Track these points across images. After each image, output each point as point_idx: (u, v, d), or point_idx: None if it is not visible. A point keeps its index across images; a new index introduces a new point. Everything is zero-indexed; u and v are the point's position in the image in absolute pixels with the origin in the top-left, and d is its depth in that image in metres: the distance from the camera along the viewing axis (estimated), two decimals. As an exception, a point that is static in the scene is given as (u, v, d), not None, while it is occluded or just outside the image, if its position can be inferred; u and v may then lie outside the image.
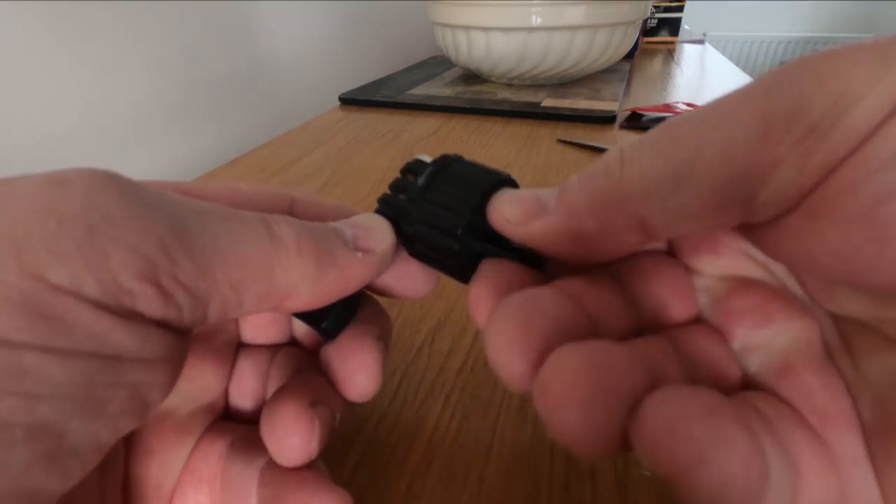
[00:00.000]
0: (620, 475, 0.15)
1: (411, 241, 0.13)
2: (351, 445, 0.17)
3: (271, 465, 0.13)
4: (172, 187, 0.13)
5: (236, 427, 0.14)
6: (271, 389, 0.15)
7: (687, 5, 0.87)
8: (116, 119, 0.40)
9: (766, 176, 0.08)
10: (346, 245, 0.12)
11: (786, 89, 0.08)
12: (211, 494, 0.13)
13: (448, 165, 0.13)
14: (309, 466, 0.13)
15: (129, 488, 0.13)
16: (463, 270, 0.13)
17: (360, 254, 0.12)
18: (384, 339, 0.15)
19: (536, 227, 0.11)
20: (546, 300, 0.10)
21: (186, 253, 0.09)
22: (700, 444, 0.08)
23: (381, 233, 0.13)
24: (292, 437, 0.12)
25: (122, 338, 0.09)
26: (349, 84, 0.64)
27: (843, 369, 0.10)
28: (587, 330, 0.10)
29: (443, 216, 0.13)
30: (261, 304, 0.11)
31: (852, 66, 0.08)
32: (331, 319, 0.14)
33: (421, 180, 0.13)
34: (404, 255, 0.14)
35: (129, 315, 0.09)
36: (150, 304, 0.09)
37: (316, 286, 0.11)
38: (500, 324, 0.10)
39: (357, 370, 0.14)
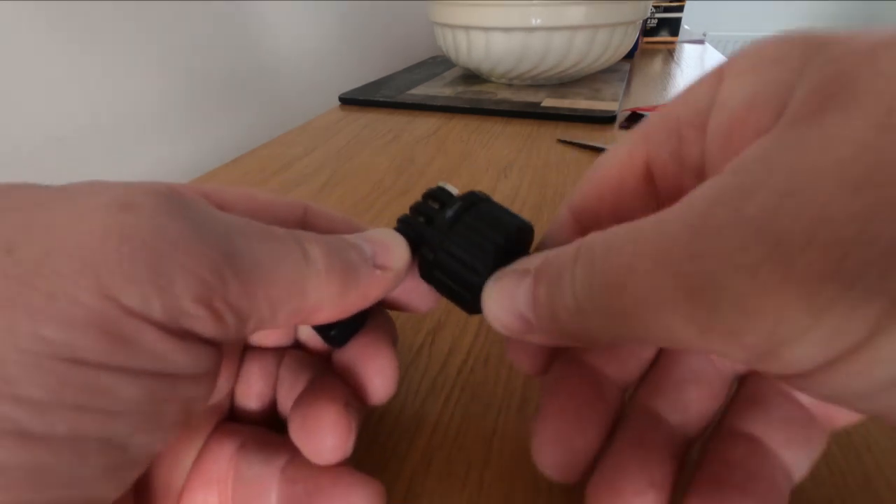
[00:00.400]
0: (620, 475, 0.15)
1: (429, 266, 0.14)
2: (351, 445, 0.17)
3: (294, 463, 0.13)
4: (200, 192, 0.13)
5: (244, 428, 0.15)
6: (283, 391, 0.15)
7: (687, 5, 0.87)
8: (117, 119, 0.40)
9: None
10: (367, 262, 0.13)
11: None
12: (221, 495, 0.13)
13: (478, 203, 0.14)
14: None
15: (138, 488, 0.13)
16: (472, 303, 0.13)
17: (378, 271, 0.13)
18: (394, 344, 0.15)
19: (526, 339, 0.13)
20: (575, 407, 0.13)
21: (236, 275, 0.10)
22: None
23: (398, 251, 0.13)
24: (329, 437, 0.13)
25: (180, 357, 0.09)
26: (349, 84, 0.64)
27: None
28: (611, 412, 0.13)
29: (470, 252, 0.13)
30: (291, 320, 0.12)
31: (782, 299, 0.07)
32: (339, 329, 0.14)
33: (449, 213, 0.14)
34: (412, 272, 0.14)
35: (186, 336, 0.10)
36: (204, 325, 0.10)
37: (339, 303, 0.12)
38: (543, 434, 0.13)
39: (376, 375, 0.14)
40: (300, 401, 0.14)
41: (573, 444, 0.12)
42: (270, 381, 0.16)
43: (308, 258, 0.11)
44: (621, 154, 0.14)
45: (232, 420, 0.15)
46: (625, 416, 0.13)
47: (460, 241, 0.13)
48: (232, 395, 0.15)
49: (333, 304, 0.12)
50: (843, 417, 0.13)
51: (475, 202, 0.14)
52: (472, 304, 0.13)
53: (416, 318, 0.22)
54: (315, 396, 0.13)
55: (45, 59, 0.34)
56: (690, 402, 0.13)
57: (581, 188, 0.15)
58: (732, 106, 0.11)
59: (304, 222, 0.15)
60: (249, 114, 0.53)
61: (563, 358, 0.14)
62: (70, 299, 0.08)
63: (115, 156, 0.40)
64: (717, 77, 0.11)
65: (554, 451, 0.12)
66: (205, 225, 0.10)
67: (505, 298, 0.12)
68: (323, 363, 0.16)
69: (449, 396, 0.18)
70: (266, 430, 0.15)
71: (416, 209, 0.14)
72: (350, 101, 0.56)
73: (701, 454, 0.13)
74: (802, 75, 0.09)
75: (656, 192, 0.14)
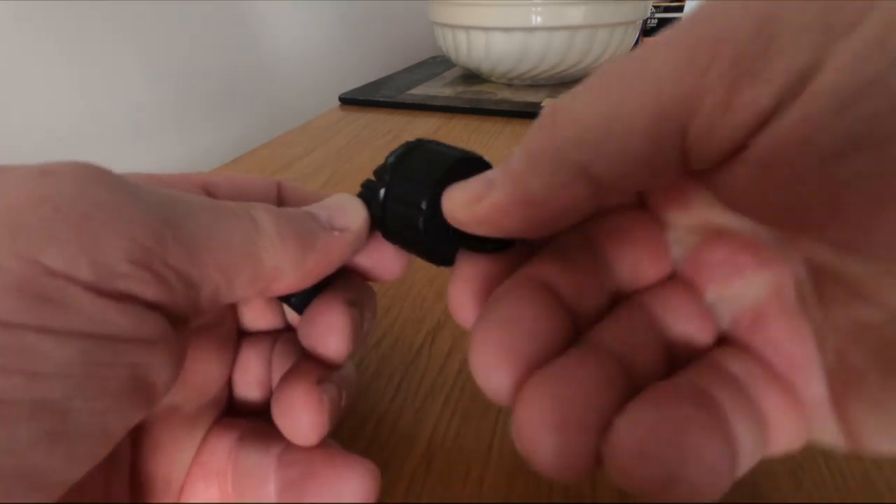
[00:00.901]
0: (620, 475, 0.15)
1: (381, 221, 0.14)
2: (351, 446, 0.17)
3: (290, 449, 0.13)
4: (155, 180, 0.13)
5: (243, 421, 0.15)
6: (275, 375, 0.15)
7: (687, 5, 0.87)
8: (117, 119, 0.40)
9: (694, 110, 0.08)
10: (323, 226, 0.13)
11: (711, 17, 0.08)
12: (221, 487, 0.13)
13: (421, 146, 0.13)
14: (328, 445, 0.13)
15: (138, 483, 0.13)
16: (432, 251, 0.13)
17: (336, 232, 0.13)
18: (360, 304, 0.15)
19: (484, 207, 0.11)
20: (523, 313, 0.10)
21: (176, 239, 0.10)
22: (669, 464, 0.08)
23: (353, 210, 0.13)
24: (303, 415, 0.12)
25: (117, 319, 0.09)
26: (349, 84, 0.64)
27: (813, 316, 0.10)
28: (564, 332, 0.11)
29: (408, 191, 0.13)
30: (251, 289, 0.11)
31: None
32: (300, 295, 0.14)
33: (391, 159, 0.13)
34: (376, 238, 0.14)
35: (123, 297, 0.09)
36: (143, 287, 0.09)
37: (300, 268, 0.12)
38: (482, 346, 0.10)
39: (326, 331, 0.14)
40: (279, 382, 0.13)
41: (519, 349, 0.10)
42: (268, 366, 0.15)
43: (256, 224, 0.11)
44: None
45: (235, 410, 0.15)
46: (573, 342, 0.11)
47: (400, 183, 0.13)
48: (230, 385, 0.15)
49: (295, 270, 0.12)
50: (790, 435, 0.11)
51: (419, 145, 0.13)
52: (429, 252, 0.13)
53: (416, 318, 0.22)
54: (289, 376, 0.13)
55: (45, 59, 0.34)
56: (642, 351, 0.11)
57: None
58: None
59: (279, 200, 0.15)
60: (249, 114, 0.53)
61: (515, 277, 0.12)
62: None
63: (114, 156, 0.40)
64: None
65: (497, 353, 0.10)
66: (137, 193, 0.10)
67: (468, 181, 0.12)
68: None
69: (449, 396, 0.18)
70: (265, 422, 0.15)
71: (375, 171, 0.14)
72: (350, 101, 0.56)
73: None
74: None
75: None
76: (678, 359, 0.12)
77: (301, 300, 0.14)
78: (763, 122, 0.08)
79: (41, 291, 0.08)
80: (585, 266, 0.12)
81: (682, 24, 0.08)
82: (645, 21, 0.87)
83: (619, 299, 0.12)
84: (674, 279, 0.12)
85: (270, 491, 0.13)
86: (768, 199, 0.09)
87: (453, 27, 0.56)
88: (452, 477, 0.16)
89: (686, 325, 0.12)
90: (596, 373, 0.10)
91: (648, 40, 0.09)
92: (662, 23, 0.89)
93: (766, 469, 0.15)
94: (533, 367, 0.10)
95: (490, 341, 0.10)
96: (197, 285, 0.10)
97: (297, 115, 0.57)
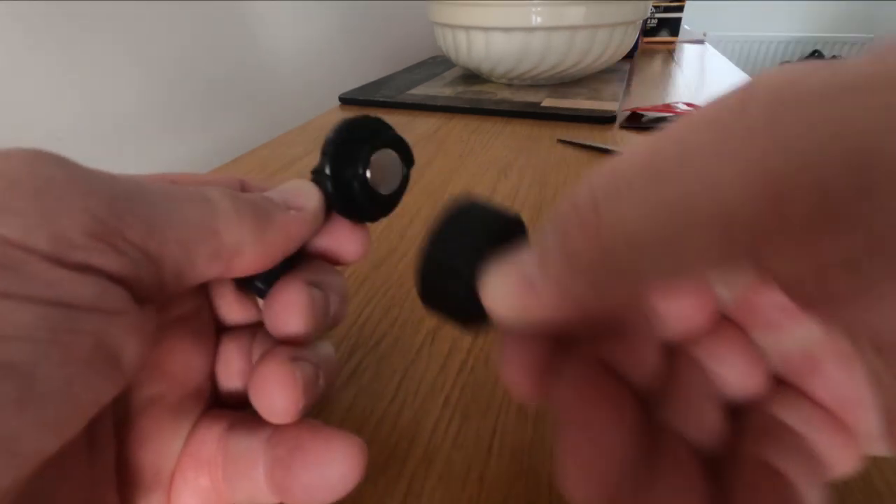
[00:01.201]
0: (620, 475, 0.15)
1: (334, 196, 0.15)
2: (351, 445, 0.17)
3: (278, 431, 0.13)
4: (157, 177, 0.14)
5: (231, 412, 0.15)
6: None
7: (687, 5, 0.87)
8: (116, 120, 0.40)
9: (767, 253, 0.07)
10: (279, 206, 0.13)
11: (793, 142, 0.06)
12: (212, 476, 0.13)
13: (354, 120, 0.15)
14: (315, 424, 0.13)
15: (126, 477, 0.13)
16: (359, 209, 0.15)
17: (293, 211, 0.13)
18: (323, 286, 0.15)
19: (526, 309, 0.10)
20: (598, 425, 0.10)
21: (133, 213, 0.10)
22: None
23: (307, 192, 0.14)
24: (277, 391, 0.13)
25: (77, 287, 0.09)
26: (349, 84, 0.64)
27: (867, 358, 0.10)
28: (636, 423, 0.11)
29: (341, 153, 0.14)
30: (212, 265, 0.12)
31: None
32: (262, 277, 0.14)
33: (329, 135, 0.14)
34: (333, 221, 0.15)
35: (82, 268, 0.09)
36: (102, 258, 0.10)
37: (259, 243, 0.12)
38: (571, 472, 0.10)
39: (285, 309, 0.14)
40: (255, 365, 0.14)
41: (603, 468, 0.10)
42: (250, 358, 0.16)
43: (211, 202, 0.12)
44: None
45: (222, 404, 0.15)
46: (650, 435, 0.11)
47: (334, 149, 0.15)
48: (213, 377, 0.15)
49: (254, 245, 0.12)
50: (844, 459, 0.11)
51: (353, 119, 0.15)
52: (361, 211, 0.15)
53: (416, 319, 0.22)
54: (263, 357, 0.13)
55: (45, 59, 0.34)
56: (706, 420, 0.12)
57: None
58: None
59: (242, 191, 0.16)
60: (249, 114, 0.53)
61: (573, 362, 0.12)
62: None
63: (114, 156, 0.40)
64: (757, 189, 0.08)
65: (586, 478, 0.10)
66: (91, 174, 0.10)
67: (505, 269, 0.11)
68: None
69: (449, 396, 0.18)
70: (253, 414, 0.15)
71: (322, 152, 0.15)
72: (350, 101, 0.56)
73: (727, 482, 0.11)
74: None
75: None
76: (735, 406, 0.12)
77: (265, 285, 0.15)
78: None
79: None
80: (636, 325, 0.12)
81: (748, 124, 0.07)
82: (645, 21, 0.87)
83: (672, 351, 0.12)
84: (723, 324, 0.12)
85: (260, 473, 0.13)
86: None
87: (453, 27, 0.56)
88: (452, 477, 0.16)
89: (741, 375, 0.12)
90: (686, 484, 0.10)
91: (696, 119, 0.07)
92: (662, 23, 0.89)
93: (766, 469, 0.15)
94: (619, 479, 0.10)
95: (576, 466, 0.10)
96: (157, 259, 0.11)
97: (297, 115, 0.57)
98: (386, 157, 0.15)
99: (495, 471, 0.16)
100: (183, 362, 0.14)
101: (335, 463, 0.12)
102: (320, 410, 0.18)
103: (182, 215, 0.11)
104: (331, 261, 0.16)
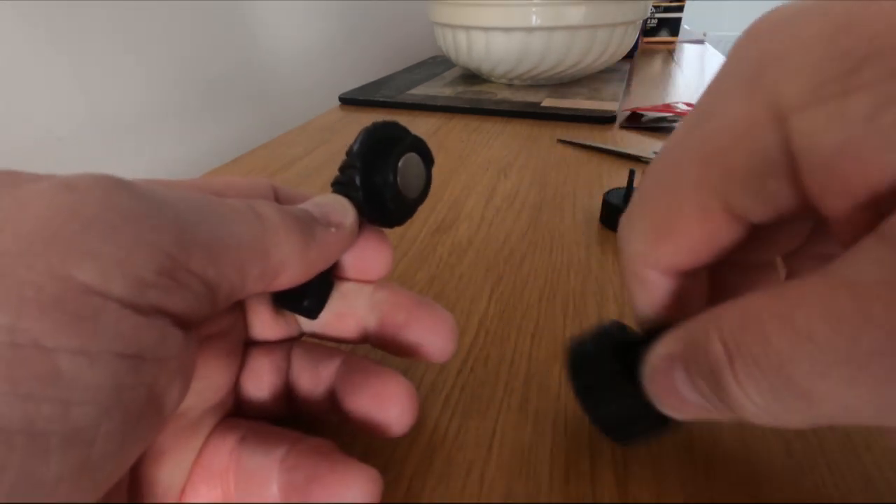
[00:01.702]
0: (620, 475, 0.15)
1: (366, 207, 0.15)
2: (351, 445, 0.17)
3: (293, 452, 0.13)
4: (164, 185, 0.13)
5: (244, 422, 0.15)
6: (305, 379, 0.16)
7: (687, 5, 0.87)
8: (116, 119, 0.40)
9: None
10: (319, 221, 0.13)
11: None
12: (223, 488, 0.13)
13: (375, 128, 0.15)
14: (332, 451, 0.14)
15: (138, 490, 0.13)
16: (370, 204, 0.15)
17: (333, 228, 0.14)
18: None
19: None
20: None
21: (197, 244, 0.10)
22: None
23: (343, 208, 0.14)
24: (394, 405, 0.14)
25: (144, 334, 0.09)
26: (349, 84, 0.64)
27: None
28: None
29: (370, 163, 0.15)
30: (260, 283, 0.12)
31: None
32: (311, 297, 0.15)
33: (355, 146, 0.15)
34: (360, 240, 0.16)
35: (151, 311, 0.09)
36: (169, 297, 0.09)
37: (302, 261, 0.13)
38: None
39: (429, 331, 0.16)
40: (353, 380, 0.15)
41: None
42: (281, 374, 0.16)
43: (262, 220, 0.12)
44: (690, 194, 0.11)
45: (241, 412, 0.15)
46: None
47: (362, 162, 0.15)
48: (235, 392, 0.15)
49: (297, 261, 0.12)
50: None
51: (374, 128, 0.15)
52: (387, 215, 0.15)
53: (416, 318, 0.22)
54: (367, 372, 0.15)
55: (45, 59, 0.34)
56: None
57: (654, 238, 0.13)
58: (823, 160, 0.09)
59: (275, 200, 0.16)
60: (249, 114, 0.53)
61: None
62: (18, 280, 0.08)
63: (114, 155, 0.40)
64: (772, 114, 0.09)
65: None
66: (154, 199, 0.10)
67: (669, 395, 0.11)
68: (333, 347, 0.16)
69: (449, 396, 0.18)
70: (265, 423, 0.15)
71: (340, 168, 0.15)
72: (350, 101, 0.56)
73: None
74: (884, 112, 0.08)
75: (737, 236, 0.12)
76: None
77: (314, 302, 0.15)
78: None
79: (75, 310, 0.08)
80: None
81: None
82: (645, 21, 0.87)
83: None
84: None
85: (274, 492, 0.13)
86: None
87: (453, 27, 0.56)
88: (452, 477, 0.16)
89: None
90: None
91: None
92: (662, 23, 0.89)
93: (767, 470, 0.15)
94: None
95: None
96: (216, 287, 0.10)
97: (297, 115, 0.57)
98: (410, 161, 0.15)
99: (495, 471, 0.16)
100: (209, 378, 0.14)
101: (351, 495, 0.12)
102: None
103: (237, 237, 0.11)
104: (358, 277, 0.16)
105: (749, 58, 0.10)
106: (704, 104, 0.11)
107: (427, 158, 0.16)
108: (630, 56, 0.79)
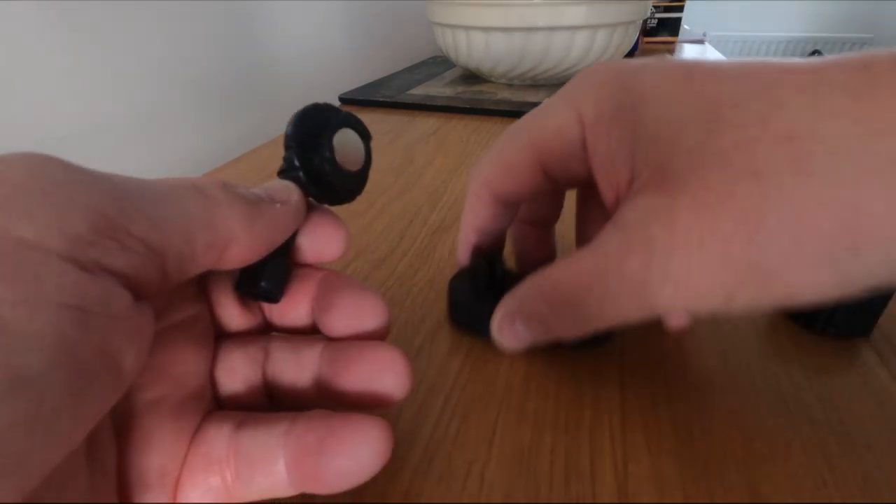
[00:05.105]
0: (620, 475, 0.15)
1: (308, 184, 0.16)
2: (351, 445, 0.17)
3: (297, 423, 0.14)
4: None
5: (239, 413, 0.15)
6: (289, 370, 0.16)
7: (687, 5, 0.87)
8: (117, 119, 0.40)
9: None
10: (266, 199, 0.14)
11: None
12: (223, 475, 0.13)
13: (305, 112, 0.16)
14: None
15: (129, 481, 0.12)
16: (312, 185, 0.16)
17: (278, 204, 0.14)
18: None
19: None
20: None
21: (137, 209, 0.10)
22: None
23: (286, 188, 0.15)
24: (389, 374, 0.15)
25: (87, 289, 0.09)
26: (349, 84, 0.64)
27: None
28: None
29: (305, 143, 0.16)
30: (209, 254, 0.12)
31: None
32: (268, 278, 0.15)
33: (289, 130, 0.16)
34: (312, 219, 0.16)
35: (93, 267, 0.09)
36: (112, 256, 0.10)
37: (250, 233, 0.13)
38: None
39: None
40: (341, 358, 0.15)
41: None
42: (256, 366, 0.16)
43: (204, 192, 0.12)
44: (525, 153, 0.18)
45: (221, 408, 0.15)
46: None
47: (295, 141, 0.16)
48: (213, 382, 0.15)
49: (245, 233, 0.13)
50: None
51: (304, 112, 0.16)
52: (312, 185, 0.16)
53: (416, 319, 0.22)
54: (354, 347, 0.15)
55: (45, 58, 0.34)
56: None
57: (493, 175, 0.20)
58: (601, 159, 0.16)
59: None
60: (250, 114, 0.53)
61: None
62: None
63: (115, 155, 0.40)
64: (577, 122, 0.16)
65: None
66: (88, 171, 0.11)
67: (512, 339, 0.17)
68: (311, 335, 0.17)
69: (449, 396, 0.18)
70: (260, 412, 0.15)
71: (284, 157, 0.16)
72: (350, 101, 0.56)
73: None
74: (636, 150, 0.14)
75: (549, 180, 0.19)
76: None
77: (271, 285, 0.15)
78: None
79: (13, 262, 0.08)
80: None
81: None
82: (645, 21, 0.87)
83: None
84: None
85: (279, 469, 0.13)
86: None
87: (453, 27, 0.56)
88: (452, 477, 0.16)
89: None
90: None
91: None
92: (662, 23, 0.89)
93: (767, 470, 0.15)
94: None
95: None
96: (161, 252, 0.11)
97: (297, 115, 0.56)
98: (346, 136, 0.16)
99: (495, 471, 0.16)
100: (183, 366, 0.14)
101: (367, 445, 0.13)
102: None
103: (181, 207, 0.12)
104: (315, 259, 0.17)
105: (574, 86, 0.17)
106: (547, 103, 0.18)
107: (362, 133, 0.17)
108: (630, 56, 0.79)
